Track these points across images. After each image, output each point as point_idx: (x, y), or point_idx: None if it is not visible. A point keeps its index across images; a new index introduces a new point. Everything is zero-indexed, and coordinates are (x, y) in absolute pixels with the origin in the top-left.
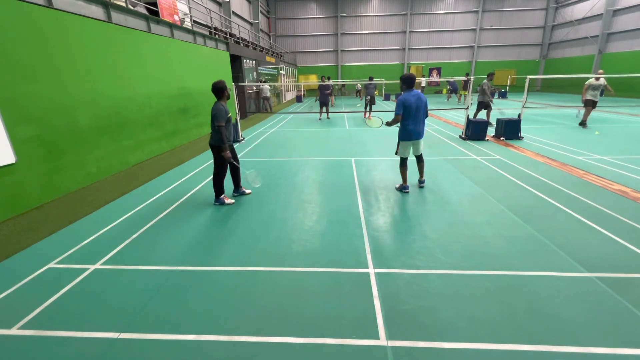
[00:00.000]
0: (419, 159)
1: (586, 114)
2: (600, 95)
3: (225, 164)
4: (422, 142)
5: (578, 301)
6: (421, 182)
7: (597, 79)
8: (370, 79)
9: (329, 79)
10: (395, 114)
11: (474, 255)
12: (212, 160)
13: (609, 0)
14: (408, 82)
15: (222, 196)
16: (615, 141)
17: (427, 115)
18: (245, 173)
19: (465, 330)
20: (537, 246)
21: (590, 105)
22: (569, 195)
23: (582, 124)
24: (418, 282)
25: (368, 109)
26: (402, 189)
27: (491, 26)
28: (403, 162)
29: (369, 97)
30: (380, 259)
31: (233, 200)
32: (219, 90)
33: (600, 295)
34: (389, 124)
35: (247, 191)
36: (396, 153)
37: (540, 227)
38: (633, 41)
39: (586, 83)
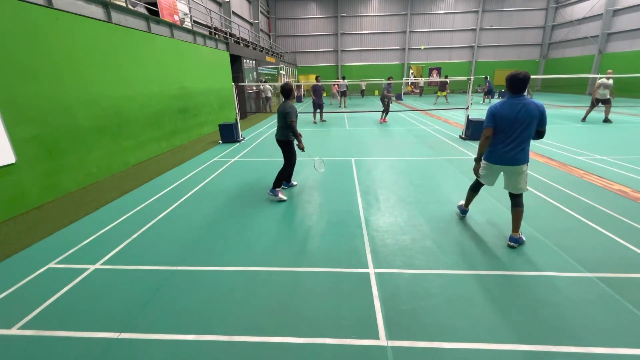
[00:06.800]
0: (514, 201)
1: (589, 111)
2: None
3: (294, 157)
4: (519, 172)
5: (578, 301)
6: (512, 240)
7: (608, 78)
8: (389, 79)
9: (343, 78)
10: (484, 127)
11: (474, 255)
12: (212, 160)
13: (609, 0)
14: (510, 83)
15: (278, 189)
16: (615, 141)
17: (540, 135)
18: (313, 160)
19: (465, 330)
20: (537, 246)
21: (598, 103)
22: (569, 195)
23: (584, 119)
24: (418, 282)
25: (384, 114)
26: (459, 209)
27: (491, 26)
28: (474, 185)
29: (386, 100)
30: (380, 259)
31: (286, 198)
32: (288, 91)
33: (600, 295)
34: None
35: (295, 183)
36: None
37: (540, 227)
38: (633, 41)
39: (598, 82)
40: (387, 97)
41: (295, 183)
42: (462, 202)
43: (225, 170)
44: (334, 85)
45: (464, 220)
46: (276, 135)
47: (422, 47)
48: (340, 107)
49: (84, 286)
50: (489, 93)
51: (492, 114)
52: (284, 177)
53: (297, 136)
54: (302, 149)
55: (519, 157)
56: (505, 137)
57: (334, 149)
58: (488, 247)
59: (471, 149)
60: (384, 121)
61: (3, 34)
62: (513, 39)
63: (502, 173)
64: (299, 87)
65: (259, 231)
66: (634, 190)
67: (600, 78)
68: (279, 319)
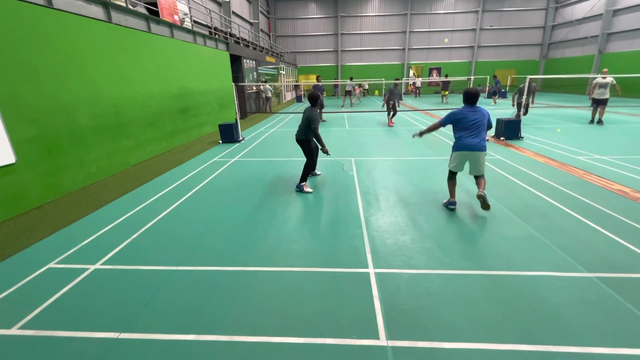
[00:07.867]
0: (477, 178)
1: (593, 112)
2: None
3: (314, 153)
4: (481, 157)
5: (578, 301)
6: (481, 193)
7: (604, 77)
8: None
9: (351, 79)
10: (441, 123)
11: (474, 255)
12: (212, 161)
13: (609, 0)
14: (466, 97)
15: (303, 184)
16: (615, 141)
17: (490, 126)
18: (343, 164)
19: (465, 330)
20: (537, 246)
21: (595, 103)
22: (569, 195)
23: (592, 121)
24: (418, 282)
25: (391, 115)
26: (449, 205)
27: (491, 26)
28: (449, 175)
29: (391, 103)
30: (380, 259)
31: (311, 190)
32: (315, 98)
33: (600, 295)
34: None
35: (318, 172)
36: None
37: (540, 227)
38: (633, 41)
39: (593, 82)
40: (392, 100)
41: (319, 173)
42: (445, 200)
43: (225, 171)
44: (357, 87)
45: (464, 220)
46: (296, 135)
47: (446, 40)
48: (342, 106)
49: (84, 286)
50: (497, 93)
51: (451, 118)
52: (309, 172)
53: (321, 141)
54: (326, 152)
55: (481, 145)
56: (470, 132)
57: (334, 149)
58: (488, 247)
59: None
60: (392, 124)
61: (3, 34)
62: (513, 39)
63: (467, 162)
64: (297, 87)
65: (259, 231)
66: (634, 190)
67: (595, 78)
68: (278, 319)
